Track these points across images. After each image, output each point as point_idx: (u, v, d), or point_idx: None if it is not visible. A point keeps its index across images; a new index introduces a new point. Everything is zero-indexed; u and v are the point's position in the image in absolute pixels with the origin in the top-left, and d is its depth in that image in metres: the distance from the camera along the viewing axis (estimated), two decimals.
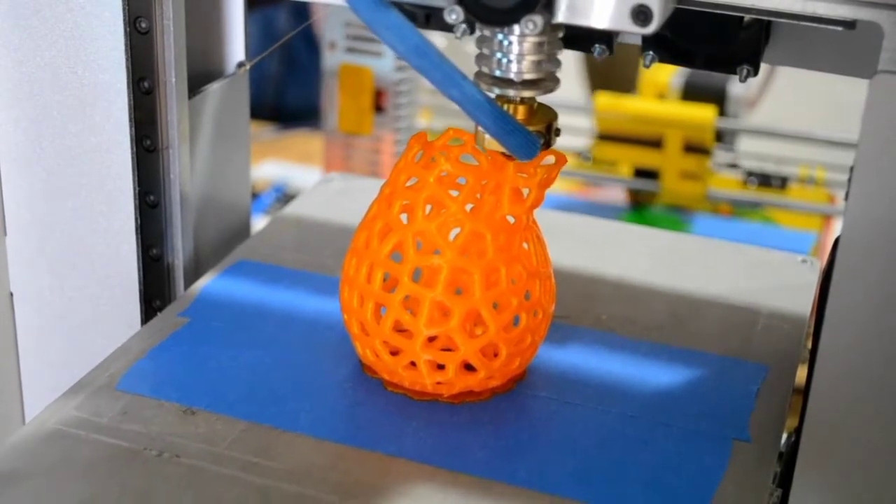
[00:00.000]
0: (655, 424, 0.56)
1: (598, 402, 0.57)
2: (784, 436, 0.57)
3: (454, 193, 0.55)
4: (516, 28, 0.51)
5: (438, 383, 0.56)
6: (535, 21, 0.48)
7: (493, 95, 0.53)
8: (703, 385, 0.59)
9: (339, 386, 0.58)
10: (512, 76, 0.53)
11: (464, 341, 0.55)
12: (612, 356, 0.61)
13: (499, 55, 0.52)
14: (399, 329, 0.56)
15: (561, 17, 0.48)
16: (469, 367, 0.56)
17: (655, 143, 1.20)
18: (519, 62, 0.52)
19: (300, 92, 1.71)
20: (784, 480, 0.55)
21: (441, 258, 0.55)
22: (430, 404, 0.57)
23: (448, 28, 0.52)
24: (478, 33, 0.53)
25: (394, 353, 0.56)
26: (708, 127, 1.18)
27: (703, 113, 1.18)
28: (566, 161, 0.56)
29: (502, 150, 0.54)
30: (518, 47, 0.52)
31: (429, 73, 0.48)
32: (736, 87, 1.23)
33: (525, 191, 0.55)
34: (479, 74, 0.54)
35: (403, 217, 0.56)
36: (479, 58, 0.53)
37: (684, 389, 0.59)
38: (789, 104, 1.84)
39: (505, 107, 0.54)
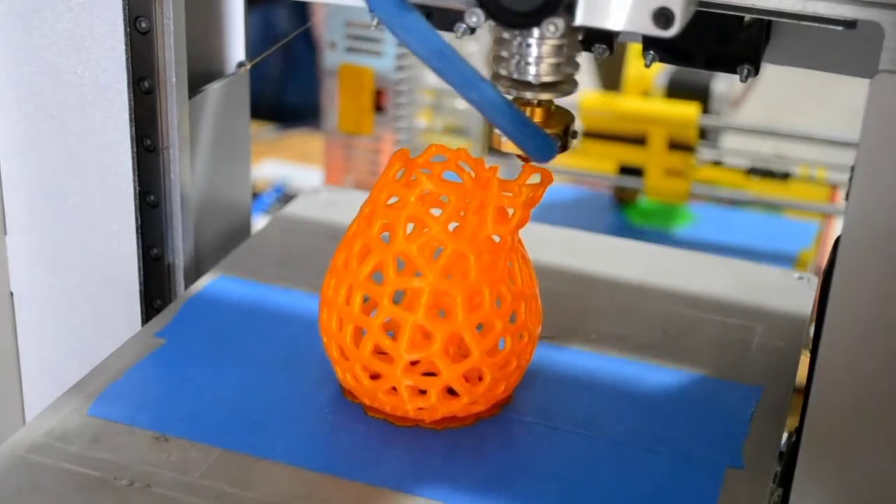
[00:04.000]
0: (645, 451, 0.52)
1: (587, 426, 0.53)
2: (784, 435, 0.54)
3: (436, 213, 0.51)
4: (535, 31, 0.48)
5: (420, 409, 0.52)
6: (556, 24, 0.45)
7: (510, 97, 0.50)
8: (696, 409, 0.55)
9: (317, 411, 0.54)
10: (530, 79, 0.50)
11: (446, 366, 0.51)
12: (601, 378, 0.57)
13: (517, 58, 0.49)
14: (380, 353, 0.52)
15: (580, 19, 0.45)
16: (452, 392, 0.52)
17: (639, 141, 1.17)
18: (537, 65, 0.49)
19: (300, 91, 1.69)
20: (784, 480, 0.53)
21: (422, 280, 0.51)
22: (411, 430, 0.52)
23: (448, 27, 0.50)
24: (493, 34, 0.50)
25: (374, 377, 0.52)
26: (692, 124, 1.15)
27: (687, 110, 1.16)
28: (552, 180, 0.52)
29: (518, 152, 0.50)
30: (537, 50, 0.49)
31: (448, 76, 0.45)
32: (720, 85, 1.21)
33: (510, 210, 0.51)
34: (496, 76, 0.51)
35: (384, 237, 0.52)
36: (497, 60, 0.50)
37: (676, 413, 0.55)
38: (774, 102, 1.82)
39: (522, 109, 0.51)
